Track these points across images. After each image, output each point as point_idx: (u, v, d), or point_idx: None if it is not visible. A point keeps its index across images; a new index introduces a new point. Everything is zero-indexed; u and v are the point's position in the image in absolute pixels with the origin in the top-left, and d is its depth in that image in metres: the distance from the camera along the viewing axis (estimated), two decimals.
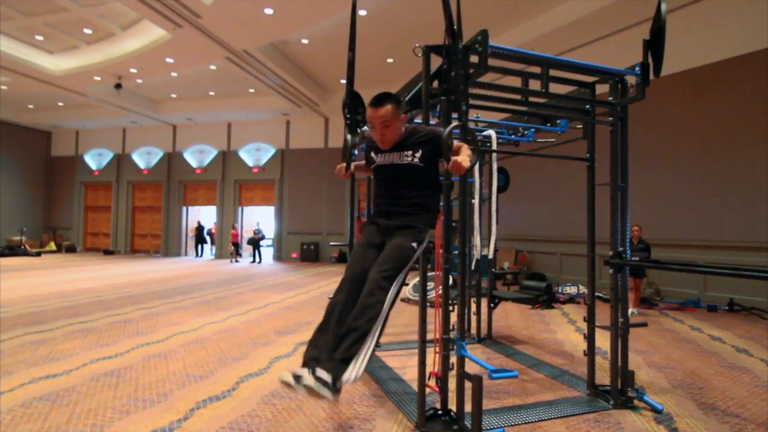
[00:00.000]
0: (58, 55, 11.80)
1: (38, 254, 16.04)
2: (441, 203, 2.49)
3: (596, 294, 3.29)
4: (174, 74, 12.55)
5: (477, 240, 3.98)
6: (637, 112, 3.21)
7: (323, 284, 9.30)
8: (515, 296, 6.07)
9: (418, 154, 2.19)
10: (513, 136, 3.97)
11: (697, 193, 7.39)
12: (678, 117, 7.68)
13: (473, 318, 4.81)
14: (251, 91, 14.17)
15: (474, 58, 2.54)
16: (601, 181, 3.12)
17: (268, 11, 8.42)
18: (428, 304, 3.08)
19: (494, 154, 3.92)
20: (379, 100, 2.15)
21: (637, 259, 5.16)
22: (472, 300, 4.82)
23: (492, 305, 4.73)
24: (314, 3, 8.02)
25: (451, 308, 2.69)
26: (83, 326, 4.85)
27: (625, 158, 3.00)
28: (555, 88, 2.97)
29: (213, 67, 12.07)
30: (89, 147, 18.81)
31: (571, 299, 7.58)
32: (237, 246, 15.48)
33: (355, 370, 1.75)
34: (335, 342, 1.82)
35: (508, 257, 10.60)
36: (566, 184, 9.05)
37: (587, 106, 3.21)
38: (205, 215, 18.12)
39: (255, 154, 16.88)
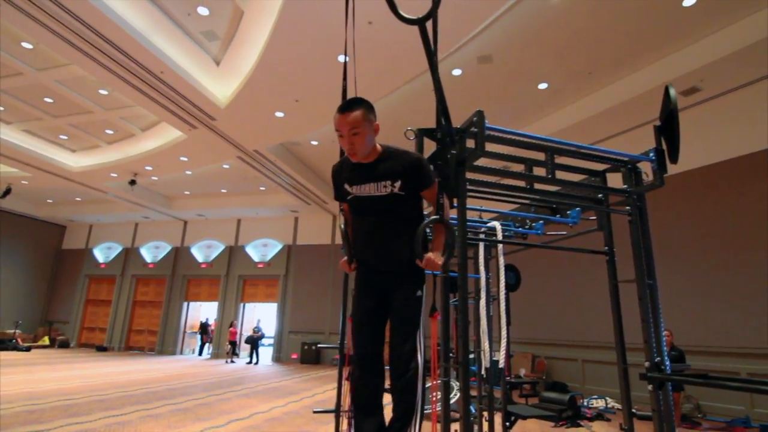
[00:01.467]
0: (79, 153, 12.38)
1: (28, 349, 15.34)
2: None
3: (632, 410, 2.71)
4: (188, 172, 12.98)
5: (486, 344, 3.48)
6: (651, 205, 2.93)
7: (319, 391, 8.43)
8: (535, 413, 5.27)
9: (398, 184, 1.97)
10: (520, 229, 3.67)
11: (729, 293, 6.82)
12: (697, 213, 7.41)
13: None
14: (262, 188, 14.50)
15: (471, 143, 2.35)
16: (623, 278, 2.74)
17: (279, 114, 8.83)
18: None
19: (500, 248, 3.59)
20: (348, 104, 1.91)
21: (678, 372, 4.50)
22: (484, 416, 4.12)
23: (507, 424, 4.03)
24: (322, 108, 8.39)
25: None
26: None
27: (649, 251, 2.65)
28: (563, 177, 2.75)
29: (226, 166, 12.48)
30: (100, 241, 19.00)
31: (600, 415, 6.64)
32: (234, 345, 14.64)
33: None
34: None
35: (524, 363, 9.68)
36: (583, 281, 8.56)
37: (599, 195, 2.95)
38: (206, 311, 17.52)
39: (262, 250, 16.78)
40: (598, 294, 7.73)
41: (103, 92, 9.07)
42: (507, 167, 2.83)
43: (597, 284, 7.87)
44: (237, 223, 17.35)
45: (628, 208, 2.74)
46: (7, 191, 14.29)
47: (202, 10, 6.61)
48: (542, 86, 7.90)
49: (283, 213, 16.21)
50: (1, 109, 9.97)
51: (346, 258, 2.14)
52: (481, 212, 3.99)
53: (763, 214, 6.54)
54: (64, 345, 17.30)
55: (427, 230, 2.14)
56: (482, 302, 3.90)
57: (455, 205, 2.49)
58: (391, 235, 2.03)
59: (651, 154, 2.60)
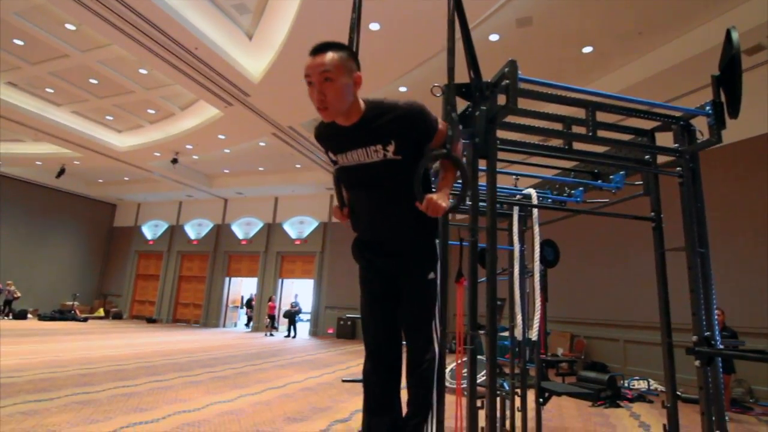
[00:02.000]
0: (125, 133, 12.89)
1: (85, 320, 16.45)
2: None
3: (677, 393, 2.51)
4: (227, 150, 13.26)
5: (519, 318, 3.34)
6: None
7: (353, 364, 8.55)
8: (571, 390, 5.09)
9: (391, 147, 1.59)
10: (558, 196, 3.45)
11: None
12: (757, 182, 6.82)
13: (517, 416, 3.97)
14: (297, 166, 14.64)
15: (503, 100, 2.17)
16: (671, 247, 2.51)
17: None
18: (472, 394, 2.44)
19: (535, 216, 3.40)
20: (323, 46, 1.52)
21: (731, 348, 4.19)
22: (516, 392, 4.01)
23: (541, 400, 3.90)
24: None
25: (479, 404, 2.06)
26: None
27: (702, 216, 2.40)
28: (605, 137, 2.52)
29: (262, 144, 12.65)
30: (148, 218, 19.94)
31: (641, 397, 6.36)
32: (273, 318, 15.11)
33: None
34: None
35: (562, 343, 9.43)
36: (627, 256, 8.14)
37: (647, 157, 2.70)
38: (246, 287, 18.14)
39: (299, 227, 17.07)
40: (642, 270, 7.34)
41: (143, 71, 9.31)
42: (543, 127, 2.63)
43: (642, 259, 7.49)
44: (274, 201, 17.69)
45: (679, 169, 2.49)
46: (62, 171, 15.15)
47: None
48: (587, 50, 7.39)
49: (318, 191, 16.35)
50: (51, 91, 10.47)
51: (337, 205, 1.92)
52: (516, 179, 3.79)
53: None
54: (118, 317, 18.47)
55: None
56: (515, 276, 3.73)
57: (485, 168, 2.34)
58: (393, 211, 1.73)
59: (707, 108, 2.32)
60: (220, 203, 18.61)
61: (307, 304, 16.97)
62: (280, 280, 16.99)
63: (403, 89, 8.69)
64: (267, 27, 7.58)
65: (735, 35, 2.23)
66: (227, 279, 17.89)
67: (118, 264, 19.97)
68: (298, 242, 16.83)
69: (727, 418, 5.29)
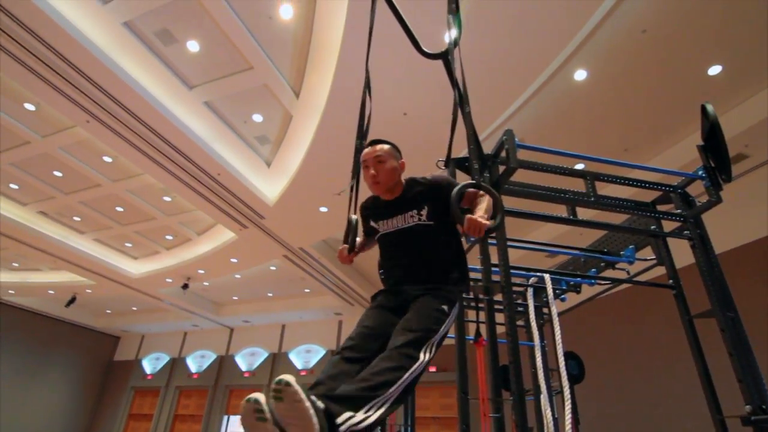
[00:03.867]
0: (140, 260, 13.25)
1: None
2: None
3: None
4: (237, 276, 13.41)
5: (548, 411, 3.02)
6: None
7: None
8: None
9: (424, 212, 1.88)
10: (571, 279, 3.40)
11: None
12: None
13: None
14: (306, 291, 14.60)
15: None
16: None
17: (323, 209, 9.27)
18: None
19: (553, 307, 3.31)
20: (375, 141, 2.04)
21: None
22: None
23: None
24: (363, 199, 8.75)
25: None
26: None
27: (721, 278, 2.35)
28: (607, 216, 2.62)
29: (273, 268, 12.84)
30: (150, 351, 19.19)
31: None
32: None
33: (358, 416, 1.31)
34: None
35: None
36: (658, 363, 7.52)
37: (653, 227, 2.75)
38: None
39: (305, 356, 16.27)
40: (684, 387, 6.72)
41: (167, 199, 9.99)
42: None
43: (681, 370, 6.91)
44: (281, 329, 17.18)
45: (687, 232, 2.51)
46: (72, 300, 15.17)
47: (257, 117, 7.48)
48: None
49: (326, 316, 15.99)
50: (78, 219, 11.11)
51: (345, 246, 1.97)
52: (527, 270, 3.77)
53: None
54: None
55: None
56: (543, 397, 3.46)
57: (493, 242, 2.40)
58: (423, 249, 1.89)
59: (700, 172, 2.46)
60: (226, 333, 18.09)
61: None
62: None
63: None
64: (285, 154, 8.36)
65: (710, 107, 2.47)
66: (226, 417, 16.42)
67: (112, 401, 18.59)
68: (303, 372, 15.84)
69: None
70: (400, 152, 2.08)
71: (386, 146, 2.02)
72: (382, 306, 1.82)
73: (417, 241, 1.89)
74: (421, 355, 1.52)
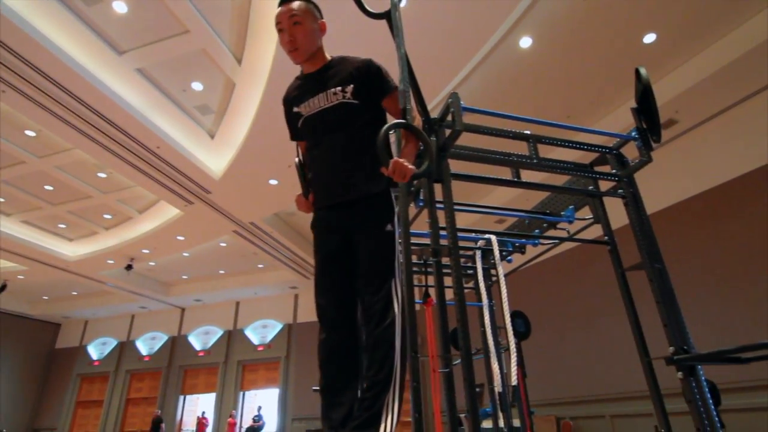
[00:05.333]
0: (77, 241, 12.42)
1: None
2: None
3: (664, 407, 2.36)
4: (185, 254, 12.91)
5: (495, 366, 3.17)
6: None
7: None
8: None
9: (349, 89, 1.69)
10: (516, 240, 3.53)
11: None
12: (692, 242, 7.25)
13: None
14: (260, 266, 14.35)
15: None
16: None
17: (273, 182, 9.01)
18: None
19: (500, 267, 3.42)
20: None
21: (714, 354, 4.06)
22: None
23: None
24: None
25: None
26: None
27: (651, 233, 2.51)
28: (549, 178, 2.71)
29: (223, 244, 12.46)
30: (95, 336, 18.31)
31: None
32: None
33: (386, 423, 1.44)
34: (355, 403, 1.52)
35: (548, 428, 8.84)
36: (601, 320, 8.10)
37: (590, 187, 2.88)
38: (203, 404, 16.36)
39: (261, 332, 16.14)
40: (614, 336, 7.30)
41: (102, 175, 9.33)
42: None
43: (611, 323, 7.49)
44: (236, 306, 16.88)
45: (621, 191, 2.66)
46: (3, 287, 14.07)
47: (196, 86, 7.04)
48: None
49: (282, 291, 15.86)
50: (2, 200, 10.18)
51: (301, 194, 1.85)
52: (474, 232, 3.87)
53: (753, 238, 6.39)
54: None
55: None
56: (492, 354, 3.62)
57: (440, 206, 2.40)
58: (348, 154, 1.71)
59: (633, 133, 2.58)
60: (177, 313, 17.54)
61: (272, 417, 15.33)
62: (241, 393, 15.51)
63: None
64: (229, 125, 7.97)
65: (643, 71, 2.58)
66: (181, 397, 16.15)
67: (57, 391, 17.71)
68: (261, 348, 15.77)
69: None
70: (320, 11, 1.80)
71: (302, 2, 1.72)
72: (329, 257, 1.69)
73: (341, 125, 1.71)
74: (396, 308, 1.55)
